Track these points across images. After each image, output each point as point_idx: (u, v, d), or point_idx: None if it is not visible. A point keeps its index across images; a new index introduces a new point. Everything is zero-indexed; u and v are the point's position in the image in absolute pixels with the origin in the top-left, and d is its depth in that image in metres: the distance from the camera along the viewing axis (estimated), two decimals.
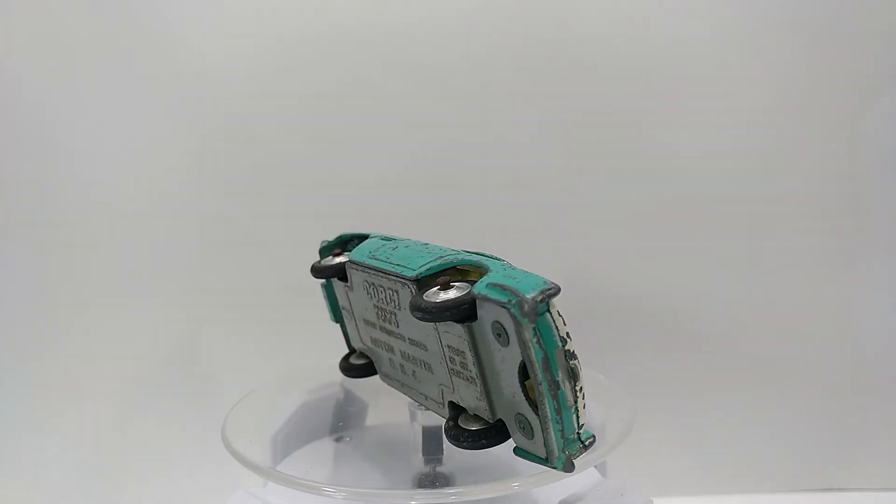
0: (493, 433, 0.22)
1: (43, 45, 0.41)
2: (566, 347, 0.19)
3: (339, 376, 0.31)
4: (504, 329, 0.19)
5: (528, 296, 0.18)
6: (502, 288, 0.19)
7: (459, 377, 0.23)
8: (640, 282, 0.44)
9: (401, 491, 0.26)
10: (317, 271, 0.30)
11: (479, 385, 0.22)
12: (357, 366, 0.30)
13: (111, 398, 0.44)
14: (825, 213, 0.43)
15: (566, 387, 0.19)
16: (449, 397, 0.24)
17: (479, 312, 0.20)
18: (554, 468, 0.20)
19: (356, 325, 0.29)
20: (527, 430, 0.20)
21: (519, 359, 0.19)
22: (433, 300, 0.21)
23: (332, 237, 0.31)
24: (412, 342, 0.25)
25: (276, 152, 0.43)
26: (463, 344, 0.21)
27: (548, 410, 0.19)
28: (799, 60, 0.42)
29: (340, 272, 0.28)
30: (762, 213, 0.43)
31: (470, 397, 0.23)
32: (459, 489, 0.24)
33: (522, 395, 0.20)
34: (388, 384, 0.29)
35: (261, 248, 0.43)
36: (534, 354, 0.19)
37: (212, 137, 0.42)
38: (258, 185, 0.43)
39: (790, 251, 0.43)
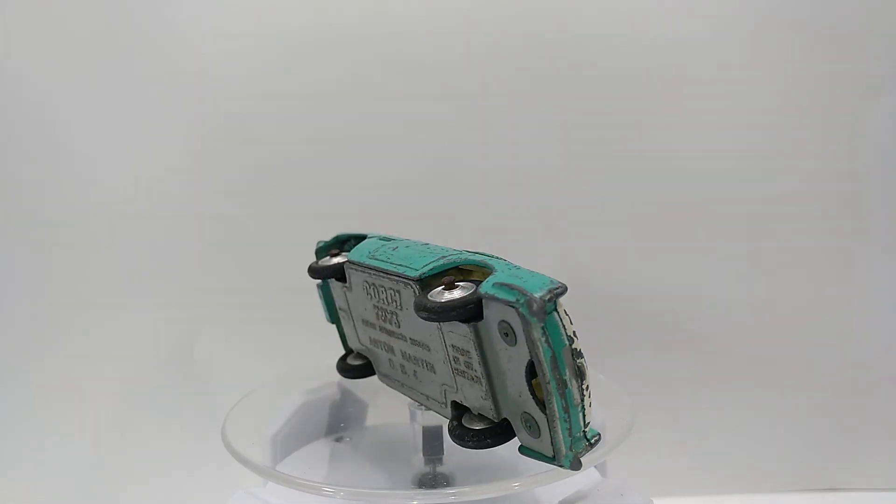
0: (498, 432, 0.22)
1: (43, 45, 0.41)
2: (573, 346, 0.19)
3: (339, 376, 0.31)
4: (511, 328, 0.19)
5: (536, 295, 0.18)
6: (510, 287, 0.19)
7: (464, 377, 0.23)
8: (640, 282, 0.44)
9: (401, 491, 0.26)
10: (314, 272, 0.29)
11: (484, 384, 0.22)
12: (354, 367, 0.30)
13: (111, 398, 0.44)
14: (825, 213, 0.43)
15: (573, 385, 0.19)
16: (452, 397, 0.24)
17: (486, 312, 0.20)
18: (561, 466, 0.20)
19: (354, 325, 0.29)
20: (533, 428, 0.20)
21: (526, 358, 0.19)
22: (438, 300, 0.21)
23: (332, 237, 0.31)
24: (414, 342, 0.25)
25: (276, 152, 0.43)
26: (468, 343, 0.21)
27: (556, 409, 0.19)
28: (799, 60, 0.42)
29: (339, 273, 0.28)
30: (762, 213, 0.43)
31: (474, 397, 0.23)
32: (459, 489, 0.24)
33: (529, 393, 0.20)
34: (387, 384, 0.29)
35: (261, 248, 0.43)
36: (542, 353, 0.19)
37: (212, 137, 0.42)
38: (258, 185, 0.43)
39: (790, 251, 0.43)
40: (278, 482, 0.25)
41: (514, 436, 0.22)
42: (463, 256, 0.23)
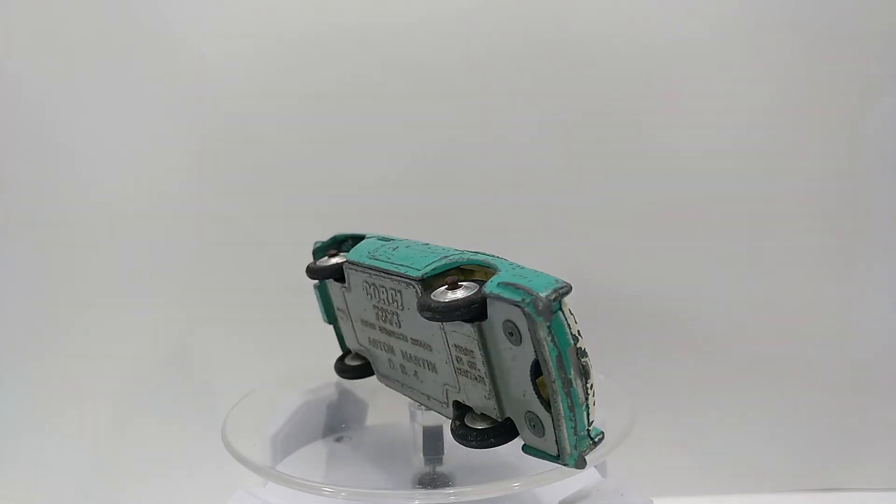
0: (502, 432, 0.22)
1: (43, 45, 0.41)
2: (578, 345, 0.19)
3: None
4: (517, 328, 0.19)
5: (542, 294, 0.18)
6: (515, 287, 0.19)
7: (466, 376, 0.23)
8: (640, 282, 0.44)
9: (401, 491, 0.26)
10: (313, 272, 0.29)
11: (487, 384, 0.22)
12: (353, 367, 0.30)
13: (111, 398, 0.44)
14: (825, 213, 0.43)
15: (578, 384, 0.19)
16: (454, 397, 0.24)
17: (490, 311, 0.20)
18: (566, 465, 0.20)
19: (353, 325, 0.29)
20: (537, 427, 0.20)
21: (531, 357, 0.20)
22: (442, 300, 0.21)
23: (329, 237, 0.31)
24: (415, 342, 0.25)
25: (276, 152, 0.43)
26: (472, 343, 0.21)
27: (561, 408, 0.19)
28: (799, 60, 0.42)
29: (337, 273, 0.28)
30: (762, 213, 0.43)
31: (477, 396, 0.23)
32: (460, 489, 0.24)
33: (534, 392, 0.20)
34: (387, 385, 0.29)
35: (261, 248, 0.43)
36: (548, 353, 0.19)
37: (212, 137, 0.42)
38: (258, 185, 0.43)
39: (790, 251, 0.43)
40: (278, 482, 0.25)
41: (518, 435, 0.22)
42: (465, 256, 0.23)
